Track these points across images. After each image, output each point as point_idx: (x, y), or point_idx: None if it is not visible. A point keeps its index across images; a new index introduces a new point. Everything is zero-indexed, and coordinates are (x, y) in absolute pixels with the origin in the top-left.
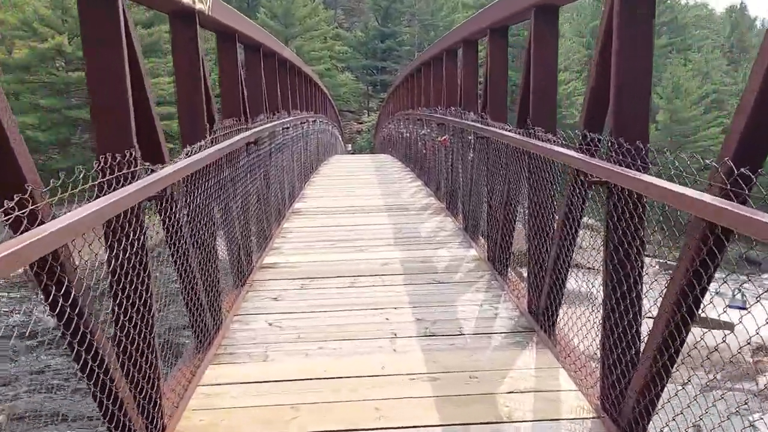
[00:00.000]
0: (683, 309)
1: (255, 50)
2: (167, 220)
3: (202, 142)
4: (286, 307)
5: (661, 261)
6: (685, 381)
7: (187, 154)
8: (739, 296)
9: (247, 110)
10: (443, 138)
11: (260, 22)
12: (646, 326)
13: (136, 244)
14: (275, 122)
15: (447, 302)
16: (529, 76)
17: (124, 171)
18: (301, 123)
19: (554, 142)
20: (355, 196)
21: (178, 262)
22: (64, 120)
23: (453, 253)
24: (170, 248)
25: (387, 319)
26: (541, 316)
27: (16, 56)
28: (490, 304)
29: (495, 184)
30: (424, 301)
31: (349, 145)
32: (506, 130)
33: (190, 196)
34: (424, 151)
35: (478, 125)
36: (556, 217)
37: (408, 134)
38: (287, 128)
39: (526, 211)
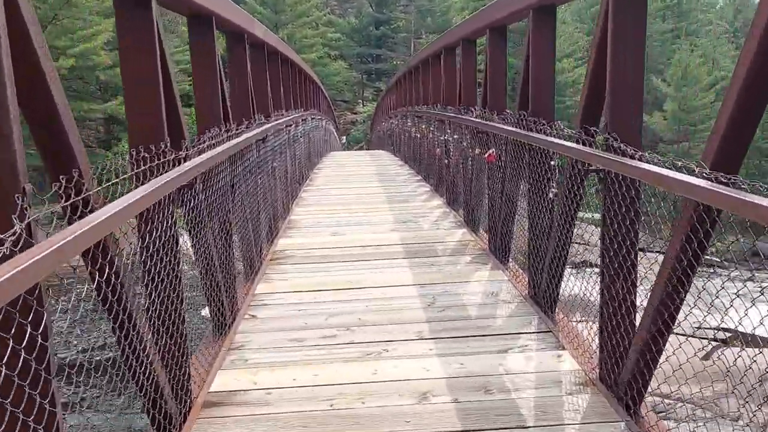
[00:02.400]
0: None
1: (204, 26)
2: None
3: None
4: None
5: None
6: None
7: None
8: None
9: (183, 127)
10: (488, 153)
11: (248, 8)
12: None
13: None
14: (241, 138)
15: None
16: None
17: None
18: (286, 126)
19: None
20: (357, 225)
21: None
22: None
23: (535, 363)
24: None
25: None
26: None
27: None
28: None
29: (620, 250)
30: None
31: (344, 137)
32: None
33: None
34: (446, 161)
35: (600, 155)
36: None
37: (419, 135)
38: (263, 140)
39: None
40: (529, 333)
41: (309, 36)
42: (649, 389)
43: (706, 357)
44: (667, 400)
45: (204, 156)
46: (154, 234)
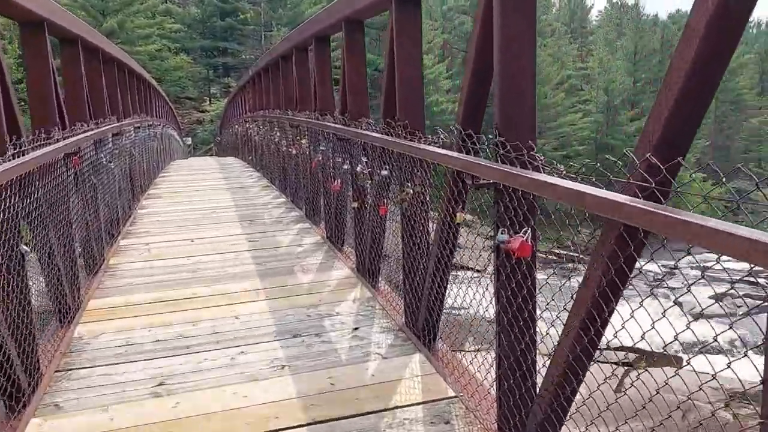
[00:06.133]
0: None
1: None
2: None
3: None
4: None
5: None
6: None
7: None
8: None
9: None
10: (517, 240)
11: None
12: None
13: None
14: None
15: None
16: None
17: None
18: (65, 157)
19: None
20: (206, 344)
21: None
22: None
23: None
24: None
25: None
26: None
27: None
28: None
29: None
30: None
31: (189, 139)
32: None
33: None
34: (356, 205)
35: None
36: None
37: (294, 151)
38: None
39: None
40: None
41: (143, 26)
42: None
43: (618, 388)
44: None
45: None
46: None
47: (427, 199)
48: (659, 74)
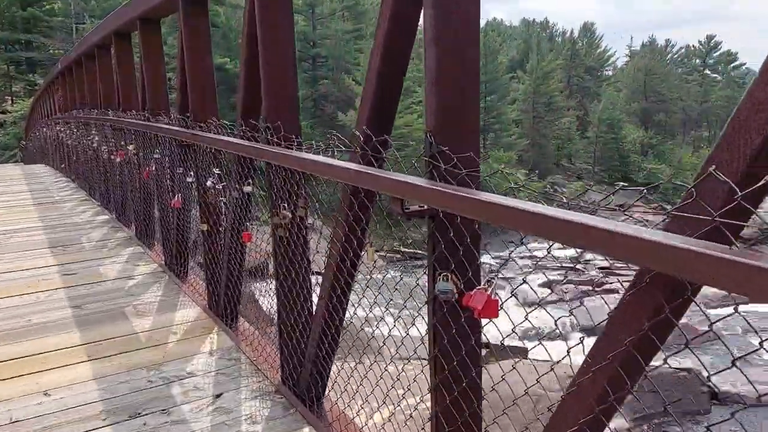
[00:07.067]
0: None
1: None
2: None
3: None
4: None
5: None
6: None
7: None
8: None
9: None
10: (482, 298)
11: None
12: None
13: None
14: None
15: None
16: None
17: None
18: None
19: None
20: None
21: None
22: None
23: None
24: None
25: None
26: None
27: None
28: None
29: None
30: None
31: None
32: None
33: None
34: (204, 228)
35: None
36: None
37: (118, 159)
38: None
39: None
40: None
41: None
42: None
43: None
44: None
45: None
46: None
47: (307, 224)
48: (483, 77)
